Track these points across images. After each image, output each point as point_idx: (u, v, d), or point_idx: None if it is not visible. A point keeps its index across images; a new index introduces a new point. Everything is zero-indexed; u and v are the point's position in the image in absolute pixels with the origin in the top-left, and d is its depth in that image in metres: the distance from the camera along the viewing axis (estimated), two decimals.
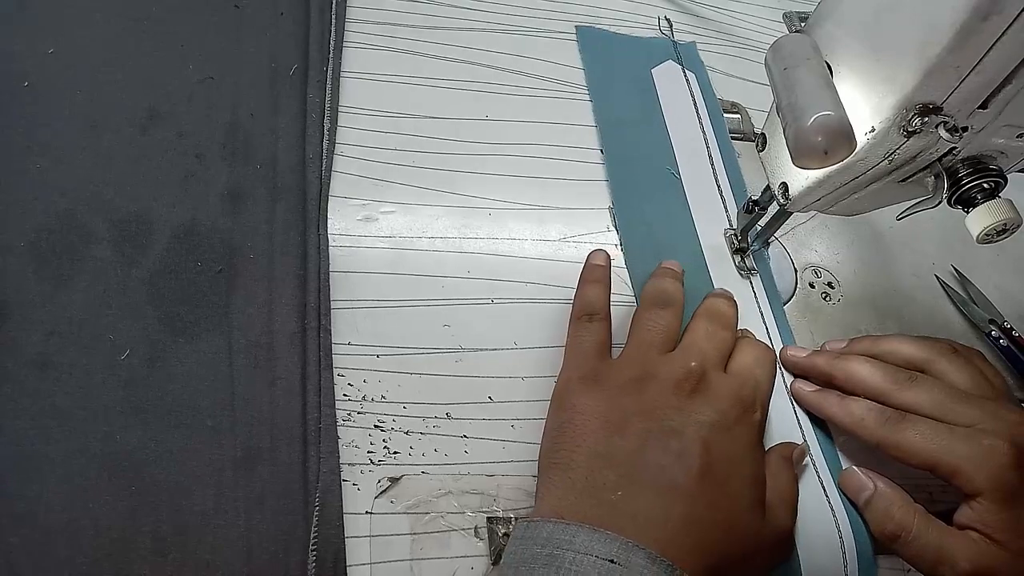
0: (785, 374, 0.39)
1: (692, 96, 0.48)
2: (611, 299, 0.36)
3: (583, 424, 0.31)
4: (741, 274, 0.42)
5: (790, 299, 0.43)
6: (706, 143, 0.46)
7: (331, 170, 0.39)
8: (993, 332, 0.43)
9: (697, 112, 0.47)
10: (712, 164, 0.45)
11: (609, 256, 0.38)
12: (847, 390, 0.36)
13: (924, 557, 0.32)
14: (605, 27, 0.50)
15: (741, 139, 0.48)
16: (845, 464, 0.36)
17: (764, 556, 0.31)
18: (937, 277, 0.46)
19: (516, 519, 0.32)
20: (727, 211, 0.44)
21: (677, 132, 0.46)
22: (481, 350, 0.36)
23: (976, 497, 0.31)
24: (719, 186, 0.45)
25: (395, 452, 0.33)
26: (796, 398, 0.38)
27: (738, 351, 0.35)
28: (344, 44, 0.44)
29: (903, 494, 0.34)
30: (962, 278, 0.46)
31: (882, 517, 0.33)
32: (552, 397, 0.34)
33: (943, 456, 0.32)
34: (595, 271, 0.37)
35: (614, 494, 0.29)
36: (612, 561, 0.26)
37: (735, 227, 0.42)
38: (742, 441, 0.31)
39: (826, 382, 0.37)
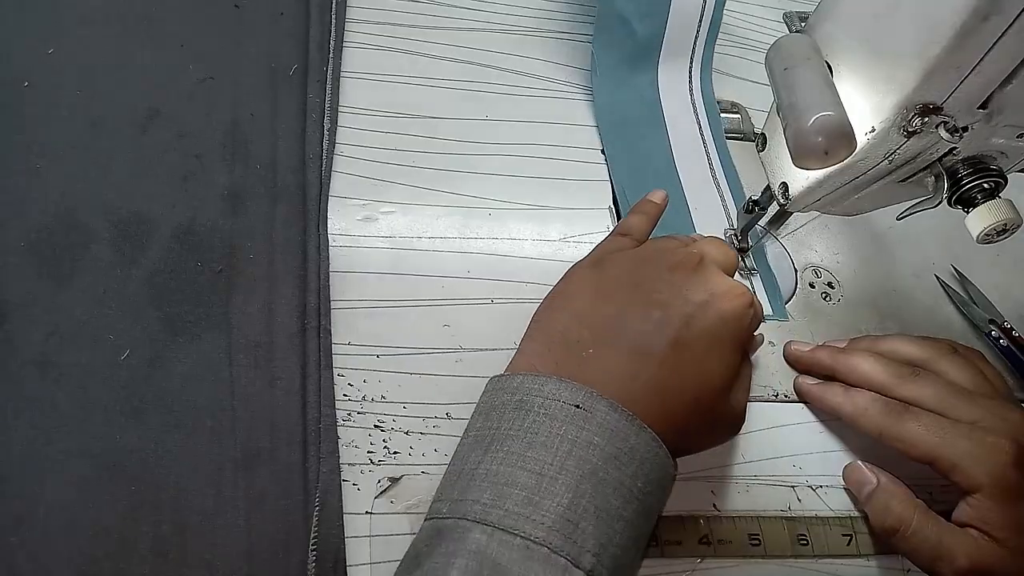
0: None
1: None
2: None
3: (574, 292, 0.32)
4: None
5: (790, 299, 0.43)
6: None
7: (331, 170, 0.39)
8: (993, 332, 0.43)
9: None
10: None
11: (667, 196, 0.38)
12: (850, 384, 0.36)
13: (922, 552, 0.32)
14: None
15: (741, 139, 0.48)
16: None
17: (720, 432, 0.33)
18: (937, 277, 0.45)
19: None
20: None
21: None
22: (481, 350, 0.36)
23: (975, 494, 0.32)
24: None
25: (395, 452, 0.33)
26: (799, 393, 0.38)
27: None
28: (344, 44, 0.44)
29: (905, 489, 0.34)
30: (962, 278, 0.46)
31: (882, 511, 0.33)
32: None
33: (944, 449, 0.32)
34: (646, 205, 0.37)
35: (586, 351, 0.29)
36: (578, 407, 0.27)
37: (735, 227, 0.43)
38: (729, 328, 0.31)
39: (829, 377, 0.37)
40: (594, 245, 0.37)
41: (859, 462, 0.35)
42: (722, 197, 0.44)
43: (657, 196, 0.37)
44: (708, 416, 0.30)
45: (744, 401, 0.33)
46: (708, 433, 0.32)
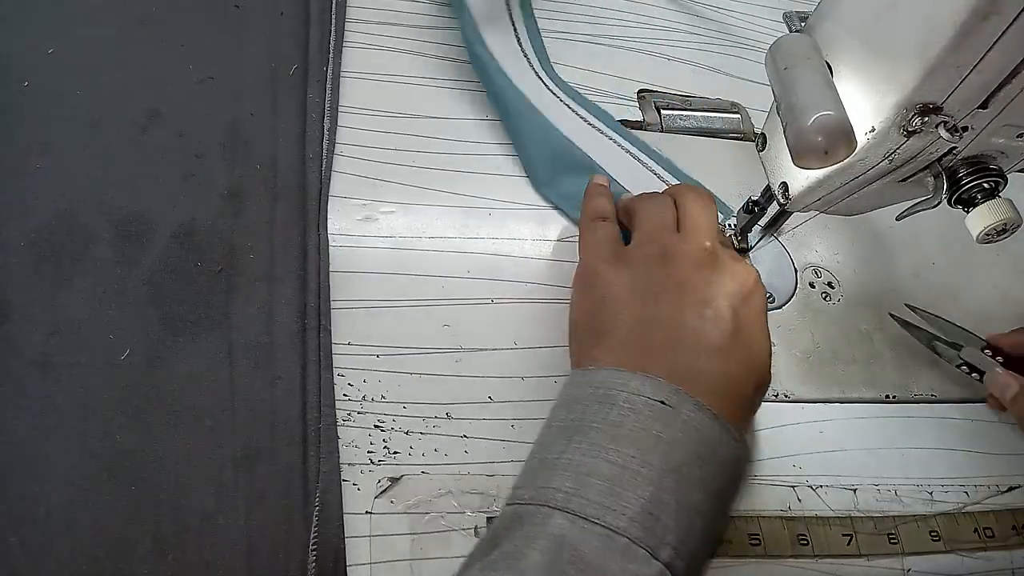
0: None
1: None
2: None
3: (620, 297, 0.33)
4: None
5: (790, 299, 0.43)
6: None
7: (331, 170, 0.39)
8: (986, 351, 0.40)
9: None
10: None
11: (608, 179, 0.40)
12: None
13: None
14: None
15: (741, 139, 0.48)
16: None
17: (759, 402, 0.34)
18: (893, 315, 0.42)
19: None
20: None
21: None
22: (481, 350, 0.36)
23: None
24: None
25: (395, 452, 0.33)
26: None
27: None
28: (344, 44, 0.44)
29: None
30: (922, 313, 0.42)
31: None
32: (575, 284, 0.36)
33: None
34: (598, 188, 0.39)
35: (664, 354, 0.31)
36: (663, 403, 0.28)
37: (734, 227, 0.42)
38: (757, 308, 0.33)
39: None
40: None
41: (999, 369, 0.39)
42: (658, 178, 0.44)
43: (601, 179, 0.40)
44: (762, 393, 0.33)
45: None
46: (760, 400, 0.34)
